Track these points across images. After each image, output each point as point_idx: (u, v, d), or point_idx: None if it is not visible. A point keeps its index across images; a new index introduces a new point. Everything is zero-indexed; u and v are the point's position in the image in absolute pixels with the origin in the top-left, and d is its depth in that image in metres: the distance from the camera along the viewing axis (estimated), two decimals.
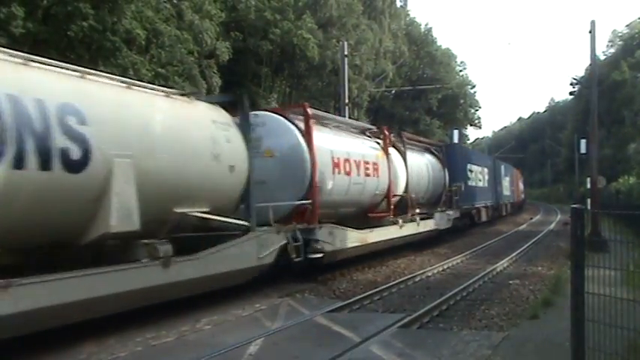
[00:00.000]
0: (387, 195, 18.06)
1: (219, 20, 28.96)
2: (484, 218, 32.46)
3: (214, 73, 27.97)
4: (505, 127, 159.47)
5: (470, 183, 29.03)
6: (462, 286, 12.68)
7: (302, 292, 12.42)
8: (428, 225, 21.32)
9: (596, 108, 22.41)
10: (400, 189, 19.35)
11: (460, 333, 8.73)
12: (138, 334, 8.58)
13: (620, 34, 73.96)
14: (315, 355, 7.44)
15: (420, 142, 24.47)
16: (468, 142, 74.86)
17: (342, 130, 16.86)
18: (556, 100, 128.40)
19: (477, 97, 68.80)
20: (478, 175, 31.71)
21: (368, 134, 18.39)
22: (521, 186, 60.59)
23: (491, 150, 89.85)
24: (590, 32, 21.72)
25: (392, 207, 18.25)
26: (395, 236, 18.05)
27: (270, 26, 33.01)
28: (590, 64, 23.86)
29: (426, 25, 61.90)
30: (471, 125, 68.98)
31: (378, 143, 18.31)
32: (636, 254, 5.88)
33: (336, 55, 33.58)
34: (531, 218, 45.85)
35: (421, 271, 15.42)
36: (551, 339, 7.87)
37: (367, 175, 16.51)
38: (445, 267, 16.65)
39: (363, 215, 17.28)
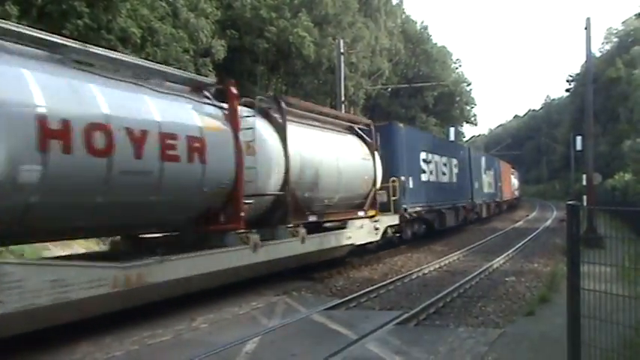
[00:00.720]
0: (234, 194, 10.96)
1: (214, 18, 28.96)
2: (451, 223, 26.00)
3: (210, 71, 27.92)
4: (501, 124, 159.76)
5: (425, 177, 22.61)
6: (458, 284, 12.70)
7: (299, 290, 12.42)
8: (330, 240, 14.63)
9: (591, 105, 22.47)
10: (271, 184, 12.37)
11: (457, 330, 8.74)
12: (134, 333, 8.57)
13: (615, 32, 74.17)
14: (312, 353, 7.44)
15: (326, 115, 16.29)
16: (464, 139, 74.81)
17: (120, 79, 9.27)
18: (552, 98, 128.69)
19: (472, 95, 68.91)
20: (441, 168, 25.04)
21: (207, 94, 11.41)
22: (514, 182, 55.83)
23: (487, 147, 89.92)
24: (585, 29, 21.78)
25: (241, 214, 11.00)
26: (236, 264, 10.95)
27: (266, 24, 32.98)
28: (586, 61, 23.90)
29: (422, 23, 62.02)
30: (467, 123, 69.08)
31: (223, 109, 11.40)
32: (632, 250, 5.89)
33: (332, 53, 33.53)
34: (527, 215, 45.92)
35: (418, 269, 15.43)
36: (547, 335, 7.89)
37: (172, 158, 9.45)
38: (442, 264, 16.66)
39: (195, 229, 11.06)
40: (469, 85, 68.44)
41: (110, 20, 21.16)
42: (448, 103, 61.93)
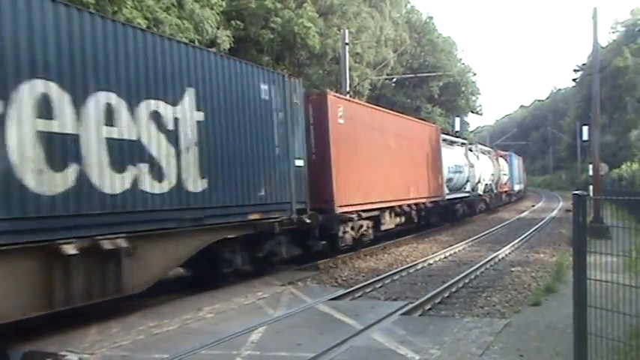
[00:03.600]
0: None
1: (219, 9, 28.88)
2: None
3: None
4: (507, 114, 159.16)
5: None
6: (464, 274, 12.70)
7: (304, 280, 12.45)
8: None
9: (598, 94, 22.30)
10: None
11: (462, 320, 8.74)
12: (140, 322, 8.62)
13: (622, 21, 73.64)
14: (317, 343, 7.46)
15: None
16: (470, 129, 74.45)
17: None
18: (558, 88, 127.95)
19: (478, 85, 68.54)
20: None
21: None
22: (485, 169, 34.38)
23: (493, 137, 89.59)
24: (592, 18, 21.63)
25: None
26: None
27: (271, 15, 32.90)
28: (593, 51, 23.73)
29: (427, 13, 61.74)
30: (473, 113, 68.78)
31: None
32: (638, 240, 5.86)
33: (337, 44, 33.42)
34: (533, 206, 45.84)
35: (423, 259, 15.44)
36: (553, 325, 7.88)
37: None
38: (447, 254, 16.66)
39: None
40: (475, 75, 68.13)
41: (116, 11, 21.13)
42: (454, 93, 61.65)
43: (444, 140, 26.79)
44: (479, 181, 32.24)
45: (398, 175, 19.45)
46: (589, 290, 4.80)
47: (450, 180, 25.98)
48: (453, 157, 27.08)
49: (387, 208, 18.36)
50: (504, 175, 42.04)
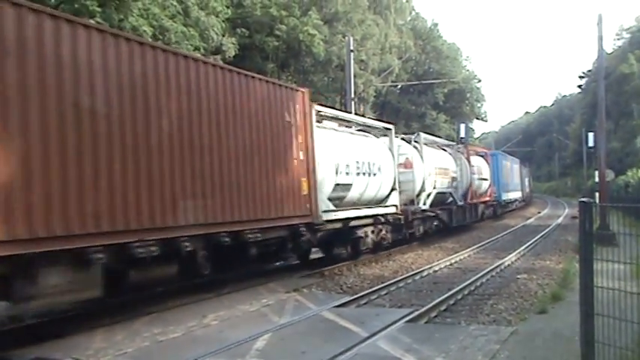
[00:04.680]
0: None
1: (225, 17, 29.04)
2: None
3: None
4: (512, 121, 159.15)
5: None
6: (469, 281, 12.62)
7: (309, 287, 12.41)
8: None
9: (603, 101, 22.23)
10: None
11: (468, 328, 8.68)
12: (145, 329, 8.60)
13: (627, 28, 73.68)
14: (323, 350, 7.43)
15: None
16: (474, 136, 74.43)
17: None
18: (563, 94, 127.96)
19: (483, 92, 68.71)
20: None
21: None
22: (444, 170, 23.72)
23: (498, 144, 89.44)
24: (597, 25, 21.61)
25: None
26: None
27: (276, 22, 33.07)
28: (598, 57, 23.71)
29: (432, 20, 62.03)
30: (478, 119, 68.79)
31: None
32: None
33: (341, 51, 33.57)
34: (539, 212, 45.68)
35: (428, 266, 15.38)
36: (560, 333, 7.82)
37: None
38: (452, 261, 16.60)
39: None
40: (479, 81, 68.24)
41: (122, 19, 21.25)
42: (458, 99, 61.75)
43: (334, 119, 16.42)
44: (423, 190, 20.86)
45: (140, 176, 8.72)
46: (596, 298, 4.77)
47: (342, 188, 15.26)
48: (355, 149, 16.29)
49: (65, 252, 7.53)
50: (482, 179, 30.78)
